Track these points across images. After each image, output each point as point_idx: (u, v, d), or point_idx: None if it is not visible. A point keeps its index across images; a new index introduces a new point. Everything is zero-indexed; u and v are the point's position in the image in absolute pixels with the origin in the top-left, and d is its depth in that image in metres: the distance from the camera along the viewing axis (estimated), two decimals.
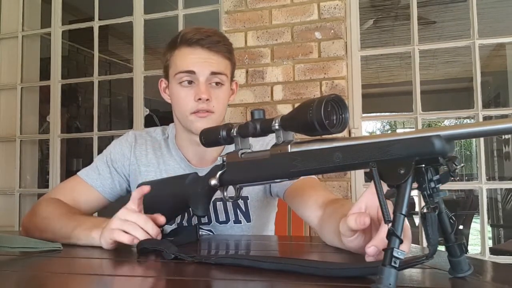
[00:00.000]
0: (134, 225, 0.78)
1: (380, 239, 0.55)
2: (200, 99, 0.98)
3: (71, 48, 4.43)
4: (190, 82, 1.00)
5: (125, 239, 0.77)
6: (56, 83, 2.64)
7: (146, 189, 0.82)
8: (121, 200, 1.10)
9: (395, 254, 0.45)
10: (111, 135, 3.41)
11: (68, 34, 3.82)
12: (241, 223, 1.08)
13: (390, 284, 0.44)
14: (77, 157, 4.68)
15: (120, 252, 0.78)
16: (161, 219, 0.81)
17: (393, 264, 0.45)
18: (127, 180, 1.12)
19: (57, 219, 0.93)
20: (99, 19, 2.61)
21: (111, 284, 0.59)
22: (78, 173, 1.11)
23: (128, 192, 1.13)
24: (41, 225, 0.95)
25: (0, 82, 2.76)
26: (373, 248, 0.55)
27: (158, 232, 0.79)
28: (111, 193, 1.10)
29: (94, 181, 1.09)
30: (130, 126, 2.54)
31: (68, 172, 4.64)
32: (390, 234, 0.46)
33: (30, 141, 2.78)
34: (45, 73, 2.76)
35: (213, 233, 1.08)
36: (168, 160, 1.11)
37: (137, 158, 1.11)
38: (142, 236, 0.77)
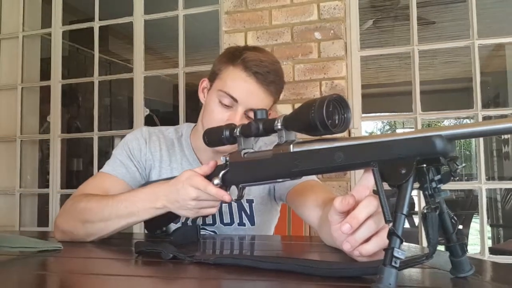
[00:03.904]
0: (208, 202, 0.80)
1: (353, 216, 0.55)
2: None
3: (72, 48, 4.44)
4: (227, 104, 0.99)
5: (212, 211, 0.82)
6: (56, 83, 2.64)
7: (213, 163, 0.80)
8: None
9: (395, 254, 0.45)
10: (111, 135, 3.43)
11: (69, 34, 3.82)
12: (245, 225, 1.08)
13: (390, 284, 0.44)
14: (77, 157, 4.69)
15: (120, 252, 0.78)
16: (226, 197, 0.78)
17: (393, 264, 0.45)
18: (146, 174, 1.10)
19: (103, 206, 0.89)
20: (99, 20, 2.61)
21: (111, 284, 0.59)
22: (102, 170, 1.08)
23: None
24: (87, 219, 0.90)
25: (1, 82, 2.76)
26: (348, 226, 0.55)
27: (217, 208, 0.83)
28: (139, 185, 1.08)
29: (124, 175, 1.06)
30: (130, 126, 2.54)
31: (68, 172, 4.65)
32: (391, 234, 0.47)
33: (31, 141, 2.78)
34: (45, 73, 2.76)
35: (216, 234, 1.08)
36: (180, 159, 1.10)
37: (152, 153, 1.10)
38: (207, 212, 0.82)
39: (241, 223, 1.08)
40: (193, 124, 1.15)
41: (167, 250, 0.69)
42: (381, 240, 0.56)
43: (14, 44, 2.73)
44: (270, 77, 0.97)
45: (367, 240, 0.57)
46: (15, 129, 2.68)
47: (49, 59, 2.66)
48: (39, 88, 2.82)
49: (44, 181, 3.39)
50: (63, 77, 2.69)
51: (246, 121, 0.96)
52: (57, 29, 2.66)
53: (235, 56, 0.99)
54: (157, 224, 0.92)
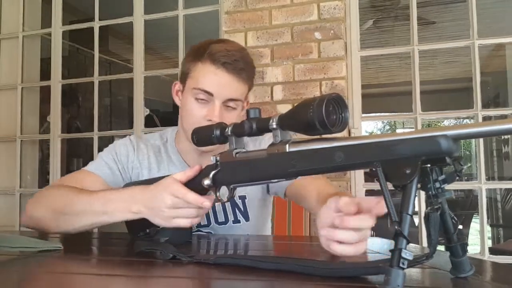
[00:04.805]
0: (186, 209, 0.77)
1: (346, 220, 0.60)
2: (210, 120, 0.97)
3: (72, 48, 4.43)
4: (204, 100, 0.99)
5: (186, 223, 0.77)
6: (56, 83, 2.64)
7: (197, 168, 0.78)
8: None
9: (403, 255, 0.45)
10: (111, 135, 3.42)
11: (69, 34, 3.82)
12: (240, 222, 1.08)
13: (398, 286, 0.44)
14: (77, 157, 4.68)
15: (120, 252, 0.78)
16: (206, 203, 0.75)
17: (401, 265, 0.45)
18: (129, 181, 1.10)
19: (78, 198, 0.87)
20: (100, 20, 2.61)
21: (111, 284, 0.59)
22: (86, 168, 1.07)
23: None
24: (59, 207, 0.89)
25: (1, 82, 2.76)
26: (336, 221, 0.61)
27: (199, 218, 0.79)
28: None
29: (107, 176, 1.05)
30: (130, 126, 2.54)
31: (69, 172, 4.64)
32: (397, 235, 0.46)
33: (31, 141, 2.78)
34: (45, 73, 2.76)
35: (212, 234, 1.08)
36: (167, 165, 1.10)
37: (140, 162, 1.10)
38: (200, 213, 0.78)
39: (236, 221, 1.08)
40: (176, 129, 1.15)
41: (167, 250, 0.69)
42: (352, 250, 0.61)
43: (14, 44, 2.73)
44: (240, 64, 0.98)
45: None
46: (15, 129, 2.68)
47: (49, 59, 2.66)
48: (39, 88, 2.82)
49: (44, 181, 3.38)
50: (63, 77, 2.69)
51: (225, 113, 0.99)
52: (57, 29, 2.66)
53: (201, 52, 1.00)
54: (140, 226, 0.88)
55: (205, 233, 1.07)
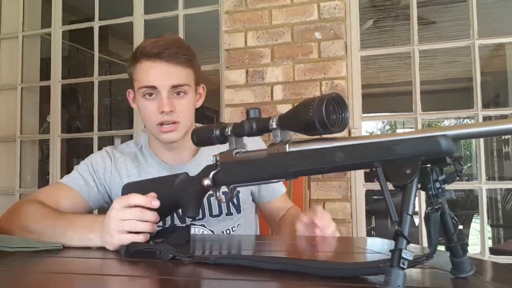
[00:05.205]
0: (132, 221, 0.76)
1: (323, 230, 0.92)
2: (163, 111, 1.01)
3: (71, 48, 4.43)
4: (151, 94, 1.02)
5: (129, 240, 0.75)
6: (56, 83, 2.64)
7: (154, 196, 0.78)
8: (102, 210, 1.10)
9: (403, 255, 0.45)
10: (111, 135, 3.44)
11: (68, 34, 3.82)
12: (232, 214, 1.12)
13: (398, 286, 0.44)
14: (77, 157, 4.68)
15: (119, 252, 0.77)
16: (154, 203, 0.77)
17: (401, 265, 0.45)
18: (107, 193, 1.12)
19: (44, 218, 0.89)
20: (99, 19, 2.61)
21: (111, 284, 0.59)
22: (61, 181, 1.10)
23: (108, 204, 1.12)
24: (25, 224, 0.90)
25: (1, 82, 2.76)
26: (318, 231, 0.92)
27: (157, 216, 0.78)
28: (95, 201, 1.10)
29: (81, 187, 1.07)
30: (130, 126, 2.54)
31: (68, 172, 4.63)
32: (398, 235, 0.46)
33: (30, 141, 2.78)
34: (45, 73, 2.76)
35: (205, 226, 1.09)
36: (147, 167, 1.12)
37: (119, 171, 1.11)
38: (145, 228, 0.76)
39: (229, 213, 1.11)
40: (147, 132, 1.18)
41: (167, 250, 0.69)
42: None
43: (14, 44, 2.73)
44: (172, 50, 1.01)
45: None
46: (15, 129, 2.68)
47: (49, 59, 2.66)
48: (39, 88, 2.82)
49: (44, 181, 3.38)
50: (63, 77, 2.69)
51: (176, 101, 1.03)
52: (57, 29, 2.66)
53: (135, 53, 1.04)
54: None
55: (198, 227, 1.08)
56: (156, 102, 1.02)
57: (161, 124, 1.03)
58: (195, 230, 1.08)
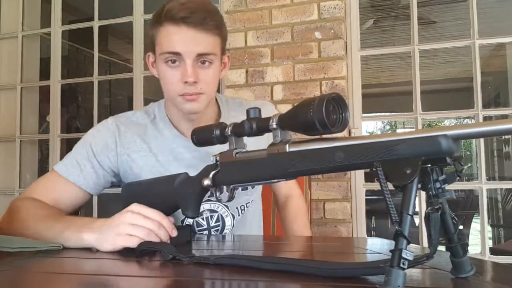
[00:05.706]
0: (146, 230, 0.75)
1: None
2: (186, 82, 0.94)
3: (71, 48, 4.43)
4: (175, 61, 0.95)
5: (134, 243, 0.74)
6: (56, 83, 2.64)
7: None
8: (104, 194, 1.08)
9: (403, 255, 0.45)
10: None
11: (68, 34, 3.82)
12: (247, 189, 1.09)
13: (398, 286, 0.44)
14: None
15: (119, 252, 0.77)
16: (174, 232, 0.78)
17: (401, 265, 0.45)
18: (113, 172, 1.06)
19: (42, 221, 0.88)
20: (99, 19, 2.61)
21: (110, 284, 0.59)
22: (56, 169, 1.03)
23: (113, 184, 1.08)
24: (23, 227, 0.88)
25: (0, 82, 2.76)
26: None
27: (168, 238, 0.77)
28: (95, 187, 1.04)
29: (76, 178, 1.01)
30: None
31: None
32: (398, 235, 0.46)
33: (30, 141, 2.78)
34: (45, 73, 2.76)
35: (220, 201, 1.07)
36: (160, 140, 1.06)
37: (126, 147, 1.04)
38: (155, 240, 0.76)
39: (244, 187, 1.08)
40: (162, 102, 1.11)
41: (167, 250, 0.69)
42: None
43: (13, 44, 2.73)
44: (199, 15, 0.92)
45: None
46: (15, 129, 2.68)
47: (48, 59, 2.66)
48: (39, 88, 2.82)
49: None
50: (63, 77, 2.68)
51: (201, 71, 0.95)
52: (57, 28, 2.65)
53: (159, 15, 0.95)
54: None
55: (214, 201, 1.05)
56: (180, 70, 0.94)
57: (183, 95, 0.96)
58: (210, 205, 1.05)
